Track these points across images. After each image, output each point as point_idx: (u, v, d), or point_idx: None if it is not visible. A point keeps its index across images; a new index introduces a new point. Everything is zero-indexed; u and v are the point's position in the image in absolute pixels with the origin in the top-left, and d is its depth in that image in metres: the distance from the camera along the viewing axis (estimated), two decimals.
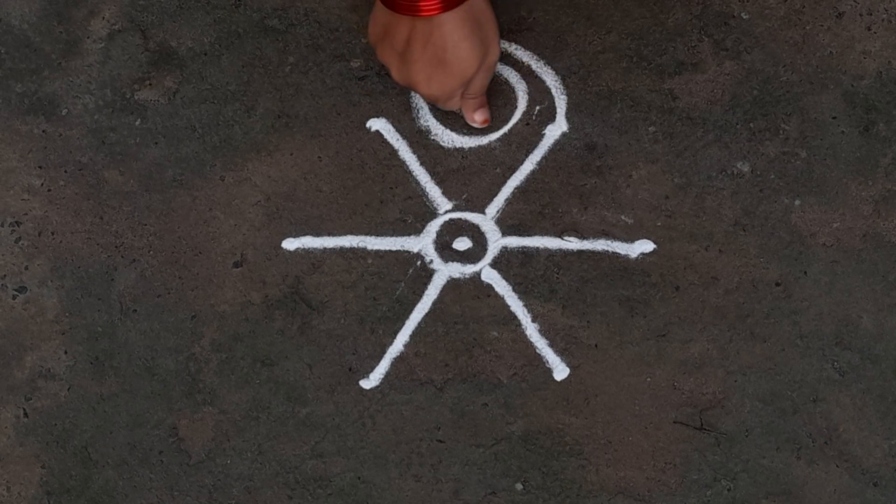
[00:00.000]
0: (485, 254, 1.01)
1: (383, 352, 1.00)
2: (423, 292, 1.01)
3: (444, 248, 1.02)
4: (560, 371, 0.98)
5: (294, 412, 0.99)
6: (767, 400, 0.97)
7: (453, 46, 0.92)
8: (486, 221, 1.02)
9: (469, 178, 1.03)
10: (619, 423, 0.97)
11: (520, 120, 1.04)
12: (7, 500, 0.98)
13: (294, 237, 1.03)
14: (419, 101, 1.05)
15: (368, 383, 0.99)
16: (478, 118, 1.01)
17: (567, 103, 1.04)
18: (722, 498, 0.95)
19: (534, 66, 1.04)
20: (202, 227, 1.03)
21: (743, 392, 0.97)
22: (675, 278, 0.99)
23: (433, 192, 1.03)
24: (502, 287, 1.00)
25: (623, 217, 1.01)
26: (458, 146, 1.04)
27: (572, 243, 1.01)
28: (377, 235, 1.02)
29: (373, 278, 1.01)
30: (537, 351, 0.99)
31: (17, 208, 1.05)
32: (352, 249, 1.02)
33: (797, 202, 1.00)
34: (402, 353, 1.00)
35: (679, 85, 1.03)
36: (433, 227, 1.02)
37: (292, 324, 1.01)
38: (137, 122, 1.06)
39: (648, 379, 0.98)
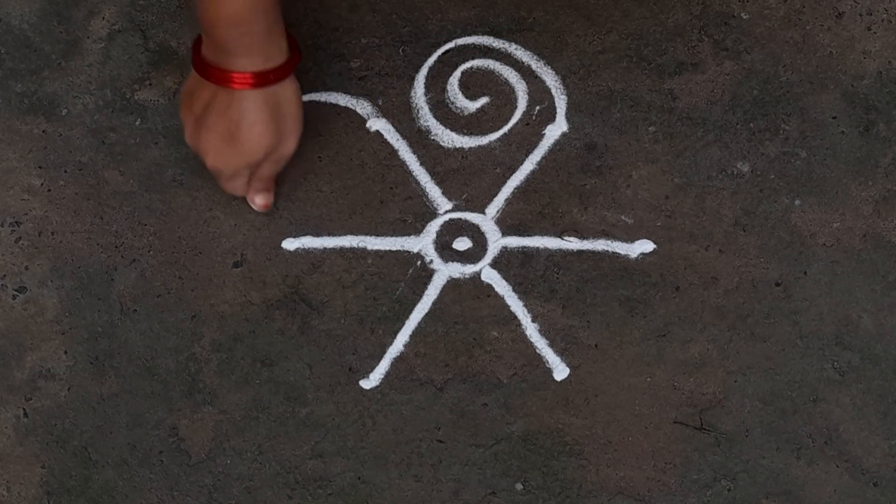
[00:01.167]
0: (485, 254, 1.01)
1: (383, 352, 1.00)
2: (423, 292, 1.01)
3: (444, 248, 1.02)
4: (560, 371, 0.98)
5: (294, 412, 0.99)
6: (767, 400, 0.97)
7: (248, 126, 0.91)
8: (486, 221, 1.02)
9: (469, 178, 1.03)
10: (619, 423, 0.97)
11: (520, 120, 1.04)
12: (7, 500, 0.98)
13: (294, 237, 1.03)
14: (419, 102, 1.05)
15: (368, 383, 0.99)
16: (258, 201, 1.00)
17: (567, 103, 1.04)
18: (722, 498, 0.95)
19: (534, 66, 1.04)
20: (202, 227, 1.03)
21: (743, 392, 0.97)
22: (675, 278, 0.99)
23: (433, 192, 1.03)
24: (502, 287, 1.00)
25: (623, 217, 1.01)
26: (458, 146, 1.04)
27: (572, 243, 1.01)
28: (377, 235, 1.02)
29: (373, 278, 1.01)
30: (537, 351, 0.99)
31: (17, 208, 1.05)
32: (352, 249, 1.02)
33: (797, 202, 1.00)
34: (402, 353, 1.00)
35: (679, 85, 1.03)
36: (433, 227, 1.02)
37: (292, 324, 1.01)
38: (137, 122, 1.06)
39: (648, 379, 0.98)
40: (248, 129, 0.91)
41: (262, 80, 0.90)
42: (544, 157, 1.03)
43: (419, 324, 1.00)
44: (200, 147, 0.93)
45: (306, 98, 1.06)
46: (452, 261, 1.01)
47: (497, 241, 1.01)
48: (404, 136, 1.04)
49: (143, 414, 1.00)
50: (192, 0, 0.89)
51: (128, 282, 1.03)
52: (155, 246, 1.03)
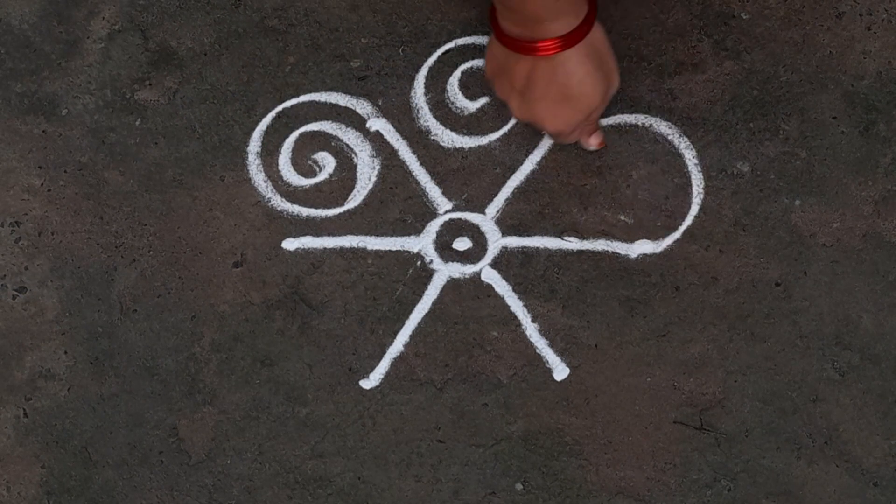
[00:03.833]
0: (485, 254, 1.01)
1: (383, 352, 1.00)
2: (423, 292, 1.01)
3: (444, 248, 1.02)
4: (560, 371, 0.98)
5: (294, 412, 0.99)
6: (767, 400, 0.97)
7: (579, 83, 0.90)
8: (486, 221, 1.02)
9: (469, 178, 1.03)
10: (619, 423, 0.97)
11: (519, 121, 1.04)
12: (7, 500, 0.98)
13: (294, 237, 1.03)
14: (419, 102, 1.05)
15: (368, 383, 0.99)
16: (594, 142, 0.99)
17: None
18: (722, 498, 0.95)
19: None
20: (202, 227, 1.03)
21: (743, 392, 0.97)
22: (675, 278, 0.99)
23: (433, 192, 1.03)
24: (502, 287, 1.00)
25: (623, 217, 1.01)
26: (458, 146, 1.04)
27: (572, 243, 1.01)
28: (377, 235, 1.02)
29: (373, 278, 1.01)
30: (537, 351, 0.99)
31: (17, 208, 1.05)
32: (352, 249, 1.02)
33: (797, 202, 1.00)
34: (402, 353, 1.00)
35: (679, 85, 1.03)
36: (433, 227, 1.02)
37: (292, 324, 1.01)
38: (137, 122, 1.07)
39: (648, 379, 0.98)
40: (579, 86, 0.90)
41: (580, 35, 0.87)
42: (544, 157, 1.03)
43: (419, 324, 1.00)
44: (536, 117, 0.93)
45: (306, 98, 1.06)
46: (452, 261, 1.01)
47: (497, 241, 1.01)
48: (404, 136, 1.04)
49: (143, 414, 1.00)
50: None
51: (128, 282, 1.03)
52: (155, 246, 1.03)
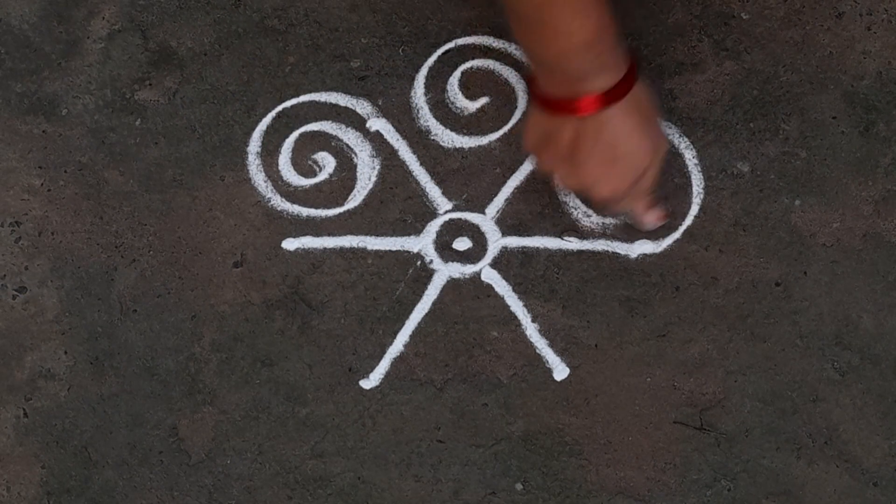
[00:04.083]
0: (485, 254, 1.01)
1: (383, 352, 1.00)
2: (423, 292, 1.01)
3: (444, 248, 1.02)
4: (560, 371, 0.98)
5: (294, 412, 0.99)
6: (767, 400, 0.96)
7: (626, 138, 0.87)
8: (486, 221, 1.02)
9: (469, 178, 1.03)
10: (619, 423, 0.97)
11: (520, 120, 1.04)
12: (7, 500, 0.98)
13: (294, 237, 1.03)
14: (419, 102, 1.05)
15: (368, 383, 0.99)
16: (650, 218, 0.97)
17: None
18: (722, 498, 0.95)
19: None
20: (202, 227, 1.03)
21: (743, 392, 0.97)
22: (675, 278, 0.99)
23: (433, 192, 1.03)
24: (502, 287, 1.00)
25: (623, 217, 1.01)
26: (458, 146, 1.04)
27: (572, 243, 1.01)
28: (377, 235, 1.02)
29: (373, 278, 1.01)
30: (537, 351, 0.99)
31: (17, 208, 1.05)
32: (352, 249, 1.02)
33: (797, 202, 1.00)
34: (402, 353, 1.00)
35: (679, 85, 1.03)
36: (433, 227, 1.02)
37: (292, 324, 1.01)
38: (137, 122, 1.07)
39: (648, 379, 0.98)
40: (627, 142, 0.87)
41: (623, 90, 0.85)
42: None
43: (419, 324, 1.00)
44: (585, 181, 0.90)
45: (306, 98, 1.06)
46: (452, 261, 1.01)
47: (497, 241, 1.01)
48: (404, 136, 1.04)
49: (143, 414, 1.00)
50: (524, 41, 0.86)
51: (128, 282, 1.03)
52: (155, 246, 1.03)
